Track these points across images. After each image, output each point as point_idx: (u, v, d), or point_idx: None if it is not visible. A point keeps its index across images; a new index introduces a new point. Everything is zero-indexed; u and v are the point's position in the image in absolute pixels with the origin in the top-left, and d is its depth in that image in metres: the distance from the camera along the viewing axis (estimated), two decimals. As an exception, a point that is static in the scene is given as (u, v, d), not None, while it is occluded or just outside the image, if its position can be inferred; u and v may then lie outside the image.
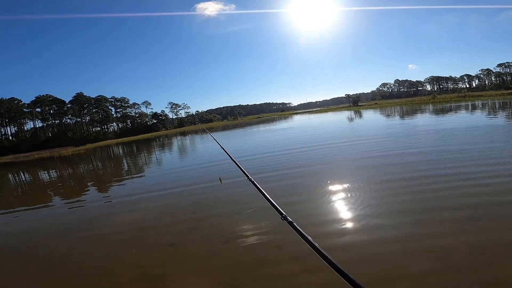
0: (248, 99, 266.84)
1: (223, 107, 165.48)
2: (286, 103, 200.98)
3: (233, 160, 2.91)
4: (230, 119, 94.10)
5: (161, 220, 4.73)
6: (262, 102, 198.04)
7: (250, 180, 2.14)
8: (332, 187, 5.17)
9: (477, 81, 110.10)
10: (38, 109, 77.20)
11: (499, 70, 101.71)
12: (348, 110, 47.31)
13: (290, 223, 1.47)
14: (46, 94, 78.03)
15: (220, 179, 4.65)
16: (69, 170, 15.84)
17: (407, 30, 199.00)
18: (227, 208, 4.84)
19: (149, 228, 4.46)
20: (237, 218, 4.33)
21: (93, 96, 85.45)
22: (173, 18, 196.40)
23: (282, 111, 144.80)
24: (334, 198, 4.61)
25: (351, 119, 24.27)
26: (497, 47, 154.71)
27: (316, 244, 1.22)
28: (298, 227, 1.41)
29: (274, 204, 1.70)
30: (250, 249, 3.34)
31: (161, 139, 37.20)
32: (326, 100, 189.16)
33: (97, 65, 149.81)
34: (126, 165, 14.66)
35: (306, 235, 1.33)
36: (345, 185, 5.17)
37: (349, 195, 4.64)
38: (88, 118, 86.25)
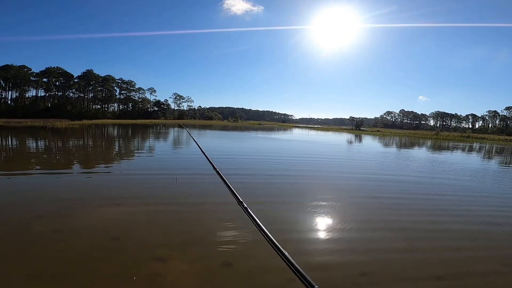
0: (251, 104, 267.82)
1: (226, 107, 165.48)
2: (288, 115, 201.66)
3: (204, 153, 3.02)
4: (230, 120, 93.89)
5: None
6: (265, 110, 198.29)
7: (216, 170, 2.44)
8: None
9: (481, 122, 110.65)
10: (45, 79, 76.67)
11: (505, 114, 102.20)
12: (350, 133, 47.12)
13: (245, 209, 1.80)
14: (56, 67, 77.71)
15: (176, 180, 4.47)
16: (56, 143, 15.27)
17: (428, 57, 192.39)
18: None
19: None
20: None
21: (102, 75, 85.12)
22: (196, 9, 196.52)
23: (283, 121, 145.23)
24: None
25: (358, 152, 18.77)
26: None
27: (267, 231, 1.35)
28: (252, 214, 1.73)
29: (234, 192, 2.09)
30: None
31: (158, 127, 36.71)
32: (328, 118, 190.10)
33: (114, 47, 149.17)
34: (117, 147, 14.14)
35: (258, 221, 1.65)
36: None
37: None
38: (91, 95, 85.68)
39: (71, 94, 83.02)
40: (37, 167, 7.95)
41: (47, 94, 78.48)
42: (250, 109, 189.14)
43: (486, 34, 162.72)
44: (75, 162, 9.02)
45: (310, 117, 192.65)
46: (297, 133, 36.78)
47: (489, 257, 3.36)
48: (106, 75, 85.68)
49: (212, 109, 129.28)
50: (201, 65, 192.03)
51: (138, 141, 17.37)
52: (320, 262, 3.04)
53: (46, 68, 76.31)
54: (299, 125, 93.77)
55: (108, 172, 7.53)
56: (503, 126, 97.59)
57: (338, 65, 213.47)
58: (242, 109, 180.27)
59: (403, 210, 5.07)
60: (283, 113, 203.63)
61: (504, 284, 2.80)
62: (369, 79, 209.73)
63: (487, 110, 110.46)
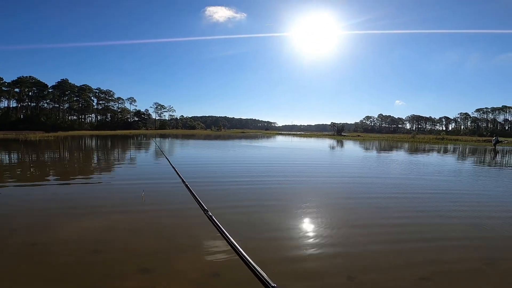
0: (234, 112, 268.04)
1: (209, 116, 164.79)
2: (271, 122, 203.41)
3: (172, 165, 3.06)
4: (213, 129, 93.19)
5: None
6: (248, 118, 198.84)
7: (183, 182, 2.49)
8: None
9: (453, 124, 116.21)
10: (17, 90, 73.16)
11: (476, 116, 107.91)
12: (331, 138, 48.04)
13: (210, 217, 1.78)
14: (29, 76, 74.43)
15: (143, 195, 4.40)
16: (31, 156, 14.45)
17: (405, 63, 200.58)
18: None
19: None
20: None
21: (78, 84, 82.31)
22: (178, 17, 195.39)
23: (266, 129, 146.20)
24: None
25: (340, 157, 19.67)
26: (487, 89, 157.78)
27: (232, 239, 1.50)
28: (217, 222, 1.71)
29: (199, 201, 2.08)
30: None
31: (138, 138, 35.77)
32: (310, 125, 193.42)
33: (89, 55, 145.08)
34: (95, 159, 13.58)
35: (223, 229, 1.62)
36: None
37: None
38: (67, 105, 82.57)
39: (45, 105, 79.75)
40: (10, 180, 7.49)
41: (19, 105, 74.86)
42: (233, 118, 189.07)
43: (457, 39, 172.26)
44: (49, 175, 8.52)
45: (293, 123, 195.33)
46: (281, 140, 36.99)
47: (474, 255, 3.41)
48: (83, 85, 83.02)
49: (194, 118, 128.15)
50: (183, 74, 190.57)
51: (106, 153, 16.80)
52: (306, 269, 2.96)
53: (18, 77, 72.84)
54: (282, 132, 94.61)
55: (85, 183, 7.16)
56: (474, 127, 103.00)
57: (320, 72, 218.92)
58: (225, 117, 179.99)
59: (390, 210, 5.11)
60: (266, 120, 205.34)
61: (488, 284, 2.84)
62: (349, 85, 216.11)
63: (458, 112, 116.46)
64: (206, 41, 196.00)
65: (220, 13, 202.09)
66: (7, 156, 14.20)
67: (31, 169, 9.99)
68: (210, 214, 1.87)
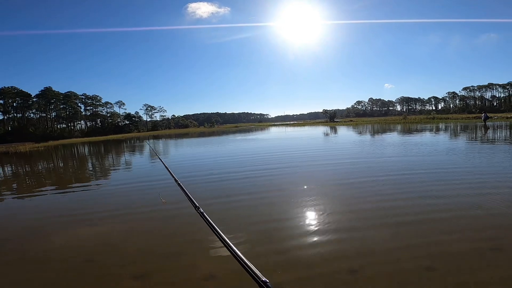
0: (226, 107, 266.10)
1: (201, 113, 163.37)
2: (264, 114, 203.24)
3: (164, 164, 3.55)
4: (206, 126, 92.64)
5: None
6: (241, 112, 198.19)
7: (176, 181, 2.59)
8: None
9: (442, 103, 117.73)
10: (0, 101, 71.24)
11: (464, 94, 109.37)
12: (324, 125, 48.22)
13: (202, 213, 1.78)
14: (11, 87, 72.43)
15: (161, 199, 4.28)
16: (24, 168, 14.14)
17: (390, 49, 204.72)
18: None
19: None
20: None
21: (63, 91, 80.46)
22: (160, 15, 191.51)
23: (259, 121, 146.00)
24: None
25: (343, 143, 22.96)
26: (471, 69, 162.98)
27: (224, 236, 1.46)
28: (208, 218, 1.68)
29: (191, 198, 2.06)
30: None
31: (131, 141, 35.35)
32: (303, 114, 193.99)
33: (71, 60, 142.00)
34: (89, 167, 13.34)
35: (215, 226, 1.58)
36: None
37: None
38: (54, 114, 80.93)
39: (32, 115, 77.94)
40: (4, 192, 7.35)
41: (5, 117, 73.09)
42: (226, 113, 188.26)
43: (438, 23, 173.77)
44: (42, 184, 8.32)
45: (285, 114, 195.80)
46: (275, 131, 36.96)
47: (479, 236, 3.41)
48: (68, 92, 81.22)
49: (186, 116, 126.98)
50: (171, 73, 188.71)
51: (124, 157, 16.55)
52: (305, 259, 2.92)
53: (-1, 88, 70.90)
54: (276, 123, 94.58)
55: (80, 191, 7.00)
56: (463, 105, 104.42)
57: (308, 61, 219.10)
58: (218, 113, 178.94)
59: (390, 192, 5.10)
60: (259, 113, 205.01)
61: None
62: (338, 72, 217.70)
63: (446, 92, 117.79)
64: (192, 39, 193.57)
65: (203, 9, 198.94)
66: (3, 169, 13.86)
67: (26, 180, 9.77)
68: (202, 210, 1.81)
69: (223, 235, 1.48)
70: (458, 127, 24.50)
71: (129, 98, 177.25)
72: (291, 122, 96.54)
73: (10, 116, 74.33)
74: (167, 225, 4.23)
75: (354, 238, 3.36)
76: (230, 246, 1.35)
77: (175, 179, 2.51)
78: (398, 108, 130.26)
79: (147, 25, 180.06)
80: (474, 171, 6.52)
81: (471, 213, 3.92)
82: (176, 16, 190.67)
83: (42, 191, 7.53)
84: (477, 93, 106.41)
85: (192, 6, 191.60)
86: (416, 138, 15.92)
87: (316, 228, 3.68)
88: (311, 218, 4.08)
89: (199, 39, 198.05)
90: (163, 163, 3.00)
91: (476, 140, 13.44)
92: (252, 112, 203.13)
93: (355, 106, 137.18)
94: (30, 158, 20.22)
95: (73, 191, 7.26)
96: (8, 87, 71.89)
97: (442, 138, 15.48)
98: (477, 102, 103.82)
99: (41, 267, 3.12)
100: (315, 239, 3.37)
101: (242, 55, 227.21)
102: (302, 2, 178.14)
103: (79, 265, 3.09)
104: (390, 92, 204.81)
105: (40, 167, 14.20)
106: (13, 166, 15.29)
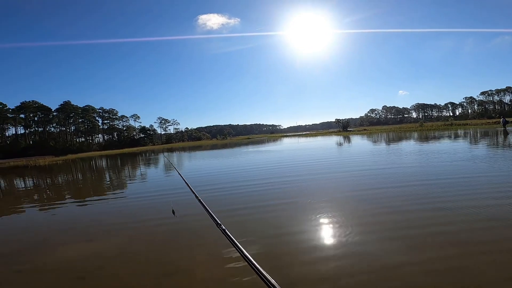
0: (238, 119, 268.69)
1: (213, 125, 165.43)
2: (276, 125, 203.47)
3: (184, 180, 3.41)
4: (219, 139, 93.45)
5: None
6: (253, 123, 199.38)
7: (196, 197, 2.51)
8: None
9: (460, 109, 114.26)
10: (22, 115, 74.58)
11: (481, 98, 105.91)
12: (337, 135, 47.62)
13: (223, 230, 1.74)
14: (32, 101, 75.89)
15: (173, 211, 4.23)
16: (33, 181, 14.57)
17: (402, 54, 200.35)
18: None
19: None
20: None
21: (81, 105, 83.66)
22: (171, 28, 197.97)
23: (271, 133, 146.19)
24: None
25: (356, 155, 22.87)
26: (487, 73, 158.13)
27: (245, 251, 1.43)
28: (230, 234, 1.64)
29: (212, 215, 2.02)
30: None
31: (147, 154, 35.97)
32: (316, 124, 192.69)
33: (89, 75, 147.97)
34: (102, 181, 13.59)
35: (236, 241, 1.55)
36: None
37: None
38: (73, 127, 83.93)
39: (52, 129, 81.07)
40: (16, 205, 7.47)
41: (27, 131, 76.33)
42: (238, 124, 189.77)
43: (451, 25, 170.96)
44: (54, 198, 8.50)
45: (298, 124, 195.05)
46: (287, 143, 36.75)
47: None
48: (86, 106, 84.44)
49: (199, 129, 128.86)
50: (183, 86, 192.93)
51: (140, 171, 16.83)
52: (321, 272, 2.77)
53: (21, 103, 74.27)
54: (288, 134, 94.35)
55: (79, 205, 7.09)
56: (482, 110, 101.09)
57: (319, 70, 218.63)
58: (230, 125, 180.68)
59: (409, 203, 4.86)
60: (271, 124, 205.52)
61: None
62: (349, 80, 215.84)
63: (463, 97, 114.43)
64: (202, 51, 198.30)
65: (213, 20, 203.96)
66: (18, 182, 14.34)
67: (40, 193, 10.02)
68: (224, 227, 1.74)
69: (246, 253, 1.41)
70: (477, 133, 23.59)
71: (143, 111, 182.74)
72: (304, 133, 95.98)
73: (32, 130, 77.60)
74: (175, 241, 4.18)
75: (368, 252, 3.17)
76: (255, 266, 1.28)
77: (195, 195, 2.46)
78: (414, 115, 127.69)
79: (158, 36, 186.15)
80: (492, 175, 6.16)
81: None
82: (187, 28, 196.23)
83: (54, 203, 7.67)
84: (496, 97, 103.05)
85: (203, 18, 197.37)
86: (436, 146, 15.40)
87: (331, 241, 3.53)
88: (327, 231, 3.93)
89: (209, 50, 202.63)
90: (183, 179, 2.94)
91: (496, 146, 12.85)
92: (264, 123, 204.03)
93: (369, 114, 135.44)
94: (48, 171, 20.87)
95: (88, 204, 7.35)
96: (29, 101, 75.25)
97: (462, 144, 14.91)
98: (496, 107, 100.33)
99: (33, 281, 3.14)
100: (331, 252, 3.23)
101: (252, 66, 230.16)
102: (311, 11, 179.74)
103: (69, 282, 3.07)
104: (404, 99, 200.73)
105: (55, 180, 14.58)
106: (28, 179, 15.79)
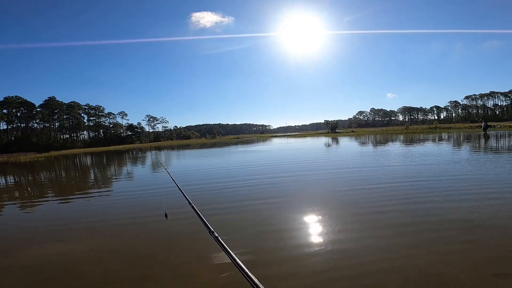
0: (228, 119, 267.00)
1: (203, 124, 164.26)
2: (266, 125, 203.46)
3: (179, 188, 3.12)
4: (208, 138, 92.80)
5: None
6: (243, 123, 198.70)
7: (190, 204, 2.37)
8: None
9: (445, 113, 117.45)
10: (4, 111, 72.01)
11: (466, 103, 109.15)
12: (326, 136, 48.10)
13: (216, 238, 1.68)
14: (15, 96, 73.37)
15: (166, 214, 4.07)
16: (13, 178, 14.04)
17: (392, 58, 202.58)
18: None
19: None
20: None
21: (66, 101, 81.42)
22: (164, 24, 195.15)
23: (261, 133, 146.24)
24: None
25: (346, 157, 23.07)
26: (473, 77, 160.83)
27: (237, 259, 1.38)
28: (222, 242, 1.59)
29: (204, 221, 1.94)
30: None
31: (134, 152, 35.30)
32: (305, 124, 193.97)
33: (75, 70, 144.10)
34: (82, 178, 13.21)
35: (229, 249, 1.50)
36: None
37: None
38: (57, 124, 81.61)
39: (36, 125, 78.69)
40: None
41: (9, 127, 73.72)
42: (228, 124, 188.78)
43: (440, 29, 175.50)
44: (16, 198, 8.17)
45: (287, 125, 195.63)
46: (277, 143, 36.78)
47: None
48: (71, 102, 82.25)
49: (188, 128, 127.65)
50: (173, 83, 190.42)
51: (126, 169, 16.45)
52: (307, 268, 2.74)
53: (4, 98, 71.88)
54: (278, 134, 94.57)
55: (61, 203, 6.85)
56: (465, 114, 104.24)
57: (309, 71, 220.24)
58: (219, 124, 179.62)
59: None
60: (261, 124, 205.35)
61: None
62: (339, 82, 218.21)
63: (448, 101, 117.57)
64: (194, 49, 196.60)
65: (206, 18, 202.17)
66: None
67: (17, 190, 9.64)
68: (216, 235, 1.66)
69: (238, 261, 1.37)
70: (460, 137, 24.28)
71: (132, 109, 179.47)
72: (293, 133, 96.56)
73: (14, 126, 75.03)
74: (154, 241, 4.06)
75: (355, 247, 3.17)
76: (248, 275, 1.24)
77: (189, 202, 2.36)
78: (400, 118, 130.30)
79: (151, 34, 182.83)
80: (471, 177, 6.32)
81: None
82: (180, 25, 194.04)
83: (28, 201, 7.38)
84: (479, 102, 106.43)
85: (196, 16, 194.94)
86: (418, 148, 15.72)
87: (312, 238, 3.51)
88: (314, 227, 3.91)
89: (201, 48, 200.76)
90: (177, 185, 2.73)
91: (476, 150, 13.24)
92: (254, 123, 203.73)
93: (357, 116, 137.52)
94: (28, 168, 20.18)
95: (70, 202, 7.11)
96: (12, 96, 72.82)
97: (445, 148, 15.29)
98: (479, 111, 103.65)
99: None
100: (312, 249, 3.20)
101: (244, 65, 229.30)
102: (304, 12, 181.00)
103: (36, 283, 2.94)
104: (392, 101, 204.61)
105: (33, 178, 14.09)
106: (8, 177, 15.21)
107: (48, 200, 7.59)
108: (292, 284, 2.58)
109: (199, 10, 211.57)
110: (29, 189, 10.36)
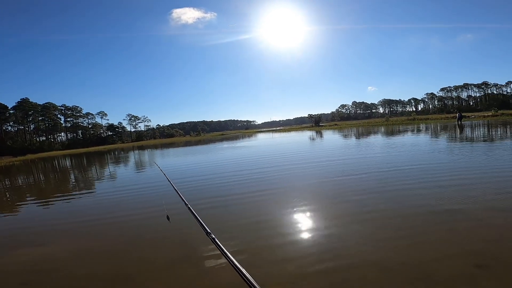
0: (213, 115, 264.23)
1: (186, 122, 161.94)
2: (250, 121, 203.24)
3: (173, 187, 3.33)
4: (192, 135, 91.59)
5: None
6: (227, 119, 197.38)
7: (186, 204, 2.41)
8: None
9: (422, 104, 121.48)
10: (-25, 114, 68.02)
11: (441, 94, 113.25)
12: (310, 130, 48.72)
13: (213, 239, 1.69)
14: (-15, 99, 69.29)
15: (168, 217, 3.95)
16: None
17: (373, 52, 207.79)
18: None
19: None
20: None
21: (41, 103, 77.85)
22: (143, 21, 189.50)
23: (246, 128, 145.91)
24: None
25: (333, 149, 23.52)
26: (448, 70, 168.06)
27: (234, 260, 1.42)
28: (219, 243, 1.61)
29: (202, 223, 1.96)
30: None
31: (116, 153, 34.37)
32: (290, 119, 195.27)
33: (48, 70, 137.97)
34: (57, 181, 12.77)
35: (226, 250, 1.52)
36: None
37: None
38: (32, 126, 77.99)
39: (9, 128, 74.86)
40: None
41: (-20, 131, 69.75)
42: (212, 121, 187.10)
43: (418, 24, 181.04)
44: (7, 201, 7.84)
45: (272, 120, 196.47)
46: (262, 138, 36.87)
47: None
48: (46, 103, 78.78)
49: (172, 126, 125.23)
50: (155, 82, 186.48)
51: (107, 171, 15.97)
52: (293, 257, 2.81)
53: (-26, 101, 67.73)
54: (263, 130, 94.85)
55: (39, 206, 6.63)
56: (441, 106, 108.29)
57: (293, 66, 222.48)
58: (204, 121, 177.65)
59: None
60: (246, 120, 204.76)
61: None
62: (322, 76, 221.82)
63: (425, 93, 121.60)
64: (176, 45, 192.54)
65: (188, 14, 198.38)
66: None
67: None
68: (213, 236, 1.65)
69: (236, 263, 1.40)
70: (437, 127, 25.30)
71: (112, 109, 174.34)
72: (278, 128, 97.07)
73: (-14, 130, 71.08)
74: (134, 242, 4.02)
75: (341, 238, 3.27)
76: (246, 276, 1.28)
77: (185, 203, 2.32)
78: (381, 110, 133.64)
79: (130, 31, 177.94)
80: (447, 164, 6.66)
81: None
82: (161, 22, 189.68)
83: (6, 206, 7.09)
84: (454, 93, 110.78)
85: (177, 12, 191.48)
86: (399, 139, 16.28)
87: (302, 229, 3.59)
88: (301, 219, 4.00)
89: (183, 45, 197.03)
90: (174, 187, 2.67)
91: (451, 140, 13.90)
92: (239, 119, 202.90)
93: (340, 110, 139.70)
94: (4, 173, 19.27)
95: (49, 204, 6.87)
96: (-18, 99, 68.86)
97: (422, 138, 15.91)
98: (454, 102, 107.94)
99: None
100: (304, 238, 3.28)
101: (227, 61, 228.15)
102: (285, 8, 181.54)
103: None
104: (373, 94, 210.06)
105: (10, 182, 13.49)
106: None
107: (27, 203, 7.31)
108: (280, 273, 2.64)
109: (181, 6, 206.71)
110: (7, 193, 9.92)
